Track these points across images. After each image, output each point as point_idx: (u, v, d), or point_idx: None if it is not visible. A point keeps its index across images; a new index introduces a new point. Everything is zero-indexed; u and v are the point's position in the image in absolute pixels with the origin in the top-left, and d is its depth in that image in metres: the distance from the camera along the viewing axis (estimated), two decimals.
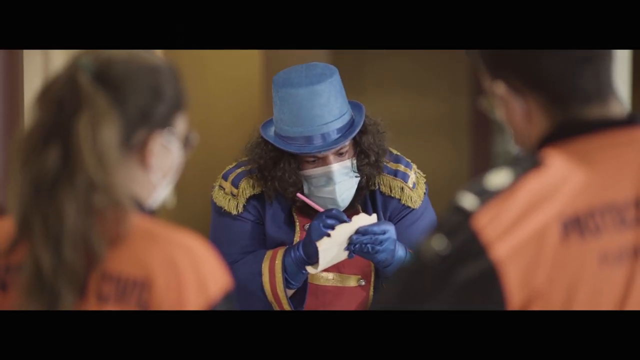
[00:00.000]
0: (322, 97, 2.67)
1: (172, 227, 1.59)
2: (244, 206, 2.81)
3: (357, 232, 2.69)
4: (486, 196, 1.48)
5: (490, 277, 1.46)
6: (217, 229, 2.86)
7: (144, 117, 1.59)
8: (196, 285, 1.54)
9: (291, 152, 2.72)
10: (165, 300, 1.54)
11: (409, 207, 2.86)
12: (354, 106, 2.79)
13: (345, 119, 2.72)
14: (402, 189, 2.85)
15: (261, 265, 2.76)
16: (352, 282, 2.83)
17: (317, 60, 2.86)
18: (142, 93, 1.59)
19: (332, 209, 2.73)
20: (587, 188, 1.50)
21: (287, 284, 2.76)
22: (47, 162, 1.54)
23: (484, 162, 7.26)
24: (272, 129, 2.78)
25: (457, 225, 1.48)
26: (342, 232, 2.69)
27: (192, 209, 5.91)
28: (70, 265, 1.53)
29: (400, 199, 2.85)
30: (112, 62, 1.59)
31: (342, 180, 2.74)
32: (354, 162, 2.77)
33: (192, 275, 1.54)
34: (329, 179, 2.73)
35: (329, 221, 2.69)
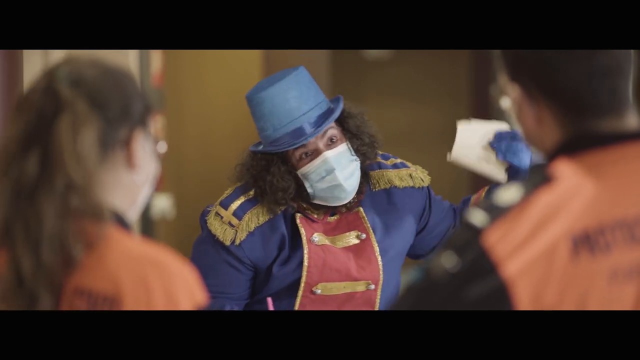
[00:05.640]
0: (293, 89, 2.69)
1: (147, 243, 1.59)
2: (241, 241, 2.75)
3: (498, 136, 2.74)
4: (496, 212, 1.47)
5: (500, 295, 1.45)
6: (200, 255, 2.81)
7: (125, 114, 1.62)
8: (165, 302, 1.54)
9: (278, 151, 2.71)
10: None
11: (413, 191, 2.85)
12: (332, 100, 2.79)
13: (323, 106, 2.72)
14: (410, 175, 2.85)
15: None
16: (361, 287, 2.81)
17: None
18: (120, 91, 1.62)
19: None
20: (597, 203, 1.48)
21: None
22: (27, 168, 1.56)
23: None
24: (260, 147, 2.78)
25: (467, 242, 1.47)
26: (481, 127, 2.72)
27: (191, 220, 5.90)
28: (49, 268, 1.54)
29: (413, 186, 2.84)
30: (85, 67, 1.62)
31: (341, 165, 2.71)
32: (349, 146, 2.75)
33: (161, 292, 1.54)
34: (327, 168, 2.70)
35: None
